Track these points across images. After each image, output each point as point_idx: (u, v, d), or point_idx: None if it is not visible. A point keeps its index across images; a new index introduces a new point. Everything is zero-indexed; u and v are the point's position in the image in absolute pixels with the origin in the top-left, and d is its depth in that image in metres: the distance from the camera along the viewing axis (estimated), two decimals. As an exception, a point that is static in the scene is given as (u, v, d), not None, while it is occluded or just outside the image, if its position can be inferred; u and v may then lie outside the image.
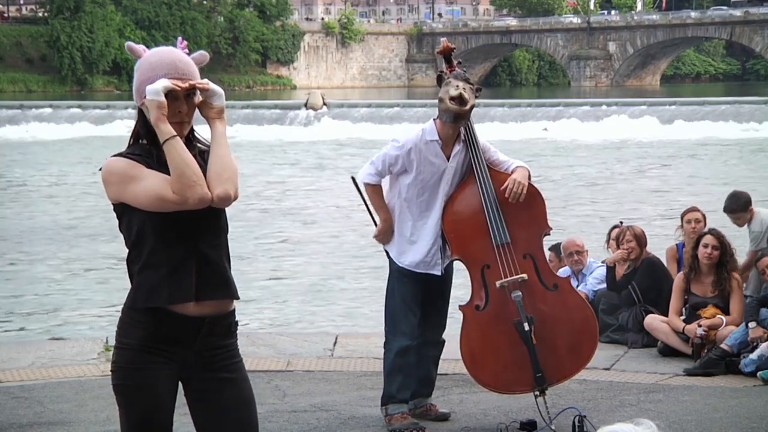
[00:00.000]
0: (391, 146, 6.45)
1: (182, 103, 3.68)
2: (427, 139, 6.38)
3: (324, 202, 23.87)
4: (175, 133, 3.61)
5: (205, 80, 3.72)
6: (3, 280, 15.08)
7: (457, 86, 6.31)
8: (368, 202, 6.60)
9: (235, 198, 3.68)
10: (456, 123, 6.35)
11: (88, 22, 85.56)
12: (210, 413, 3.77)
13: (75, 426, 6.57)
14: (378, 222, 6.55)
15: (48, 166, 32.02)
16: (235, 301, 3.82)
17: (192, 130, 3.78)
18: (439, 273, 6.44)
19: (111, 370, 3.79)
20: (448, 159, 6.40)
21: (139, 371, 3.70)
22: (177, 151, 3.59)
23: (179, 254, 3.66)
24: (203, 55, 3.79)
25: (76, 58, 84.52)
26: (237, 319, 3.85)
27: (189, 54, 3.77)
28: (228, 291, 3.75)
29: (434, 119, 6.46)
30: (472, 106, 6.36)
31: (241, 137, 37.36)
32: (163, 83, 3.63)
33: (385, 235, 6.49)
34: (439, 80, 6.47)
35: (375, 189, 6.51)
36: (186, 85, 3.65)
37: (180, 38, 3.89)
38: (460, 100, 6.28)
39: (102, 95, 74.66)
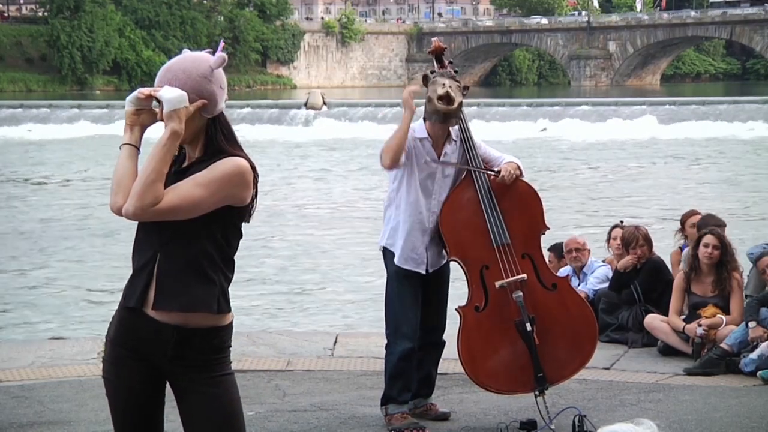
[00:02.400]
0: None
1: (160, 111, 3.72)
2: (418, 137, 6.37)
3: (325, 201, 23.88)
4: (126, 142, 3.71)
5: (158, 87, 3.70)
6: (3, 279, 15.08)
7: (444, 84, 6.28)
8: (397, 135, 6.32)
9: (152, 211, 3.58)
10: (445, 123, 6.34)
11: (88, 21, 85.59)
12: (186, 421, 3.78)
13: (75, 425, 6.57)
14: (404, 122, 6.32)
15: (48, 166, 32.02)
16: (226, 317, 3.73)
17: (208, 139, 3.75)
18: (423, 272, 6.42)
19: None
20: (439, 158, 6.39)
21: (113, 365, 3.78)
22: (118, 159, 3.71)
23: (143, 259, 3.70)
24: (220, 57, 3.74)
25: (76, 57, 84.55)
26: (229, 335, 3.77)
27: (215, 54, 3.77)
28: (182, 304, 3.65)
29: (423, 118, 6.44)
30: (461, 104, 6.32)
31: (240, 137, 37.27)
32: (133, 93, 3.74)
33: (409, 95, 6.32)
34: (425, 80, 6.44)
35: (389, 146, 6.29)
36: (147, 93, 3.71)
37: (222, 40, 3.94)
38: (447, 98, 6.26)
39: (102, 95, 74.69)
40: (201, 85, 3.70)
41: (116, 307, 3.81)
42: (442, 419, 6.61)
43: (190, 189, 3.61)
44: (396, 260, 6.40)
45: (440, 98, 6.25)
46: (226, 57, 3.77)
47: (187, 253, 3.66)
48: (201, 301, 3.67)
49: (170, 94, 3.65)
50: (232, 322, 3.79)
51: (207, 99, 3.70)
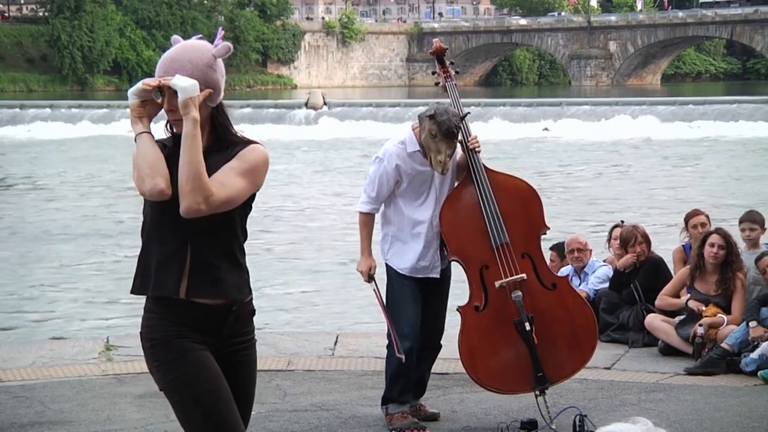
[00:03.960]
0: (376, 165, 6.44)
1: (165, 101, 3.74)
2: (409, 151, 6.37)
3: (324, 200, 23.88)
4: (143, 130, 3.72)
5: (169, 77, 3.70)
6: (4, 279, 15.08)
7: (440, 160, 6.22)
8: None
9: (211, 204, 3.64)
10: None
11: (89, 21, 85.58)
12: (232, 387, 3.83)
13: (76, 425, 6.57)
14: (362, 257, 6.50)
15: (48, 166, 32.02)
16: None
17: (215, 126, 3.79)
18: (438, 275, 6.45)
19: (155, 370, 3.79)
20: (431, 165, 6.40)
21: (183, 357, 3.73)
22: (139, 146, 3.71)
23: (170, 248, 3.72)
24: (225, 47, 3.77)
25: (77, 57, 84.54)
26: (252, 303, 3.92)
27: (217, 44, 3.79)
28: (217, 292, 3.74)
29: (413, 128, 6.44)
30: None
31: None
32: (135, 86, 3.76)
33: (363, 272, 6.46)
34: (422, 122, 6.34)
35: (367, 219, 6.50)
36: (155, 83, 3.72)
37: (221, 28, 3.96)
38: (442, 168, 6.28)
39: (102, 95, 74.67)
40: (207, 75, 3.75)
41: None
42: (431, 420, 6.60)
43: (235, 181, 3.70)
44: (407, 273, 6.42)
45: (438, 164, 6.26)
46: (231, 47, 3.81)
47: (222, 241, 3.76)
48: (236, 288, 3.78)
49: (184, 83, 3.68)
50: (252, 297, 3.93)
51: (212, 88, 3.76)
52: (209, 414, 3.72)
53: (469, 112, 6.61)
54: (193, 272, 3.71)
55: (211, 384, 3.72)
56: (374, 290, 6.45)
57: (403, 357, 6.29)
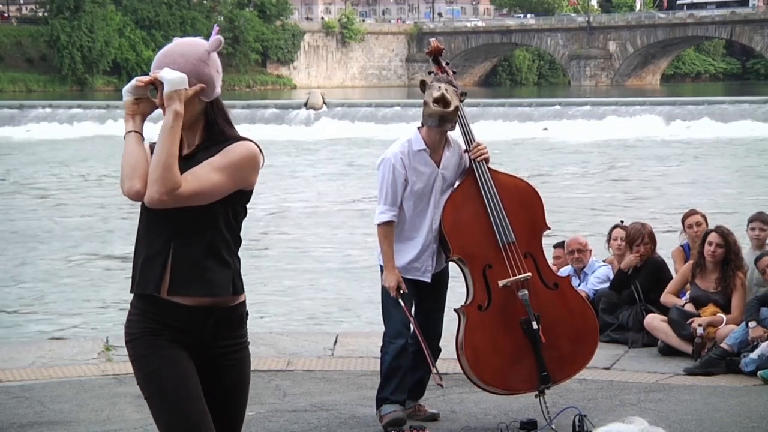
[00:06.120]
0: (383, 166, 6.41)
1: (159, 97, 3.73)
2: (415, 149, 6.36)
3: (324, 201, 23.88)
4: (132, 129, 3.71)
5: (157, 72, 3.71)
6: (3, 280, 15.08)
7: (440, 87, 6.28)
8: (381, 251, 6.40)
9: (176, 197, 3.61)
10: (441, 126, 6.31)
11: (88, 21, 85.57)
12: (220, 389, 3.84)
13: (75, 425, 6.57)
14: (387, 272, 6.35)
15: (48, 167, 32.02)
16: (240, 297, 3.85)
17: (209, 123, 3.77)
18: (428, 280, 6.43)
19: (132, 365, 3.82)
20: (438, 165, 6.39)
21: (155, 353, 3.73)
22: (125, 146, 3.72)
23: (156, 246, 3.72)
24: (216, 40, 3.77)
25: (77, 57, 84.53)
26: (245, 306, 3.90)
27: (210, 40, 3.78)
28: (203, 289, 3.72)
29: (418, 128, 6.43)
30: (457, 108, 6.29)
31: (241, 137, 37.30)
32: (130, 83, 3.76)
33: (392, 288, 6.31)
34: (423, 86, 6.42)
35: (386, 230, 6.34)
36: (147, 79, 3.73)
37: (216, 25, 3.97)
38: (443, 101, 6.25)
39: (102, 95, 74.64)
40: (199, 69, 3.73)
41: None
42: (430, 420, 6.60)
43: (209, 174, 3.65)
44: (400, 272, 6.40)
45: (436, 101, 6.25)
46: (222, 40, 3.79)
47: (205, 238, 3.72)
48: (218, 286, 3.74)
49: (171, 75, 3.68)
50: (245, 301, 3.90)
51: (205, 83, 3.74)
52: (174, 411, 3.72)
53: (465, 93, 6.55)
54: (175, 270, 3.69)
55: (179, 381, 3.71)
56: (403, 305, 6.29)
57: (438, 375, 6.30)
